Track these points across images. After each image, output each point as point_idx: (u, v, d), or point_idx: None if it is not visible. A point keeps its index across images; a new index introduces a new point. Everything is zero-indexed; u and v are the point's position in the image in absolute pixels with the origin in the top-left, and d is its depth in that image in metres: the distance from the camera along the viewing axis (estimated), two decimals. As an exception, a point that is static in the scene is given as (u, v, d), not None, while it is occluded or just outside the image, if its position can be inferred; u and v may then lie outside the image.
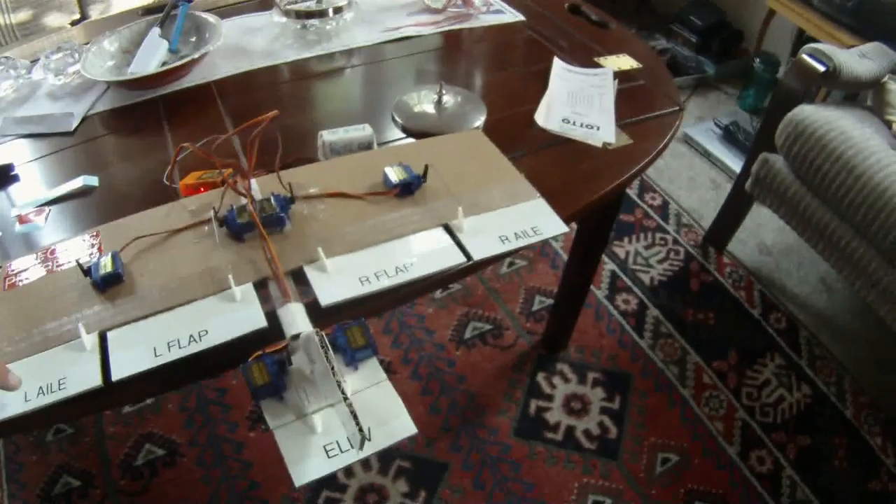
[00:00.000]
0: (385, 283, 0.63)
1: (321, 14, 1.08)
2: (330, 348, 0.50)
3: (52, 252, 0.69)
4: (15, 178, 0.87)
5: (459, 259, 0.66)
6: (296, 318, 0.58)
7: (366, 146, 0.80)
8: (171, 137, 0.91)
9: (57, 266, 0.67)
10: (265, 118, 0.68)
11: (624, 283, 1.68)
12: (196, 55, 0.98)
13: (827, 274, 1.70)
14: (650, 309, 1.59)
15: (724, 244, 1.77)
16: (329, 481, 1.24)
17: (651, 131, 0.94)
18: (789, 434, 1.34)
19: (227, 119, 0.94)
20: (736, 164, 2.02)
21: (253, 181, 0.71)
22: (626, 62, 1.11)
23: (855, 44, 1.71)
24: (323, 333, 0.52)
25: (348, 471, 1.26)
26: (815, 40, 1.94)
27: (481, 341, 1.51)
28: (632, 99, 1.00)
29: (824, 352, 1.49)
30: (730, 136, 2.10)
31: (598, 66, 1.08)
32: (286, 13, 1.09)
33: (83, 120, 0.96)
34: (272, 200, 0.66)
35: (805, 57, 1.39)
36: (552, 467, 1.28)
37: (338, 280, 0.63)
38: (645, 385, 1.42)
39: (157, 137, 0.92)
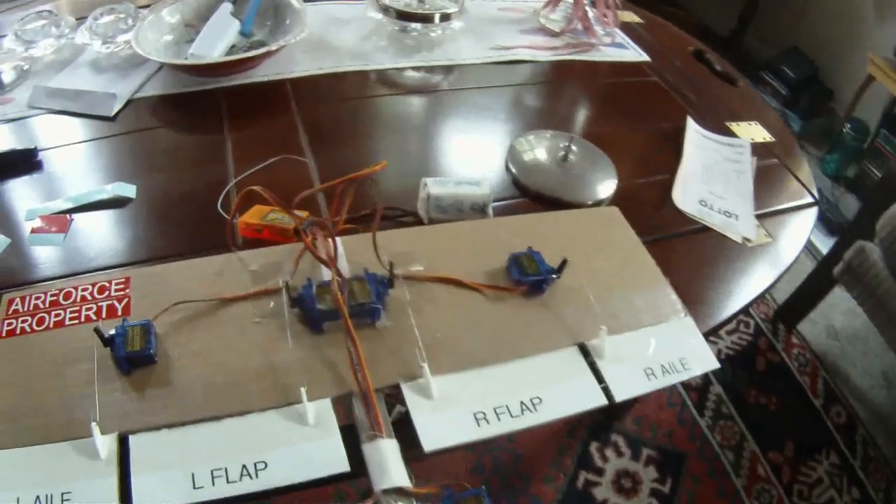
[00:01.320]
0: (507, 425, 0.47)
1: (425, 18, 0.91)
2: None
3: (67, 295, 0.53)
4: (37, 166, 0.71)
5: (600, 401, 0.50)
6: (388, 465, 0.42)
7: (479, 209, 0.63)
8: (232, 144, 0.75)
9: (71, 317, 0.51)
10: (370, 171, 0.51)
11: (692, 352, 1.54)
12: (273, 47, 0.81)
13: (890, 368, 1.60)
14: (713, 385, 1.49)
15: (796, 323, 1.66)
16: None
17: (786, 227, 0.78)
18: (834, 540, 1.24)
19: (302, 132, 0.77)
20: (814, 234, 1.87)
21: (339, 244, 0.55)
22: (758, 132, 0.94)
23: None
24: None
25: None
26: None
27: (537, 399, 1.38)
28: (764, 181, 0.83)
29: (878, 454, 1.40)
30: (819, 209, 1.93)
31: (731, 133, 0.91)
32: (384, 9, 0.91)
33: (127, 103, 0.79)
34: (367, 283, 0.50)
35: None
36: (593, 550, 1.17)
37: (446, 414, 0.46)
38: (699, 469, 1.32)
39: (214, 139, 0.76)
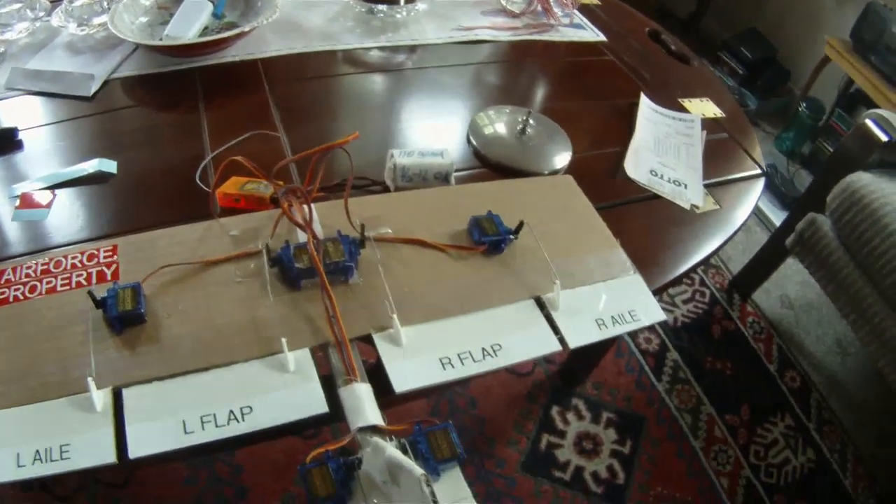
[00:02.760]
0: (470, 369, 0.52)
1: (391, 1, 0.94)
2: (430, 485, 0.39)
3: (58, 264, 0.56)
4: (18, 146, 0.74)
5: (554, 346, 0.55)
6: (364, 406, 0.47)
7: (443, 177, 0.68)
8: (208, 121, 0.78)
9: (62, 284, 0.55)
10: (344, 141, 0.55)
11: (648, 319, 1.60)
12: (246, 28, 0.84)
13: (843, 336, 1.66)
14: (670, 351, 1.53)
15: (750, 292, 1.71)
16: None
17: (734, 196, 0.84)
18: (790, 498, 1.30)
19: (274, 109, 0.81)
20: (769, 208, 1.96)
21: (313, 209, 0.59)
22: (709, 108, 1.00)
23: (903, 106, 1.65)
24: (421, 469, 0.41)
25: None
26: (863, 94, 1.89)
27: (498, 365, 1.44)
28: (714, 154, 0.89)
29: (832, 417, 1.46)
30: (766, 179, 2.01)
31: (683, 109, 0.97)
32: (352, -8, 0.95)
33: (105, 84, 0.82)
34: (340, 244, 0.54)
35: (869, 123, 1.30)
36: (556, 508, 1.21)
37: (414, 359, 0.51)
38: (658, 432, 1.37)
39: (190, 117, 0.79)
